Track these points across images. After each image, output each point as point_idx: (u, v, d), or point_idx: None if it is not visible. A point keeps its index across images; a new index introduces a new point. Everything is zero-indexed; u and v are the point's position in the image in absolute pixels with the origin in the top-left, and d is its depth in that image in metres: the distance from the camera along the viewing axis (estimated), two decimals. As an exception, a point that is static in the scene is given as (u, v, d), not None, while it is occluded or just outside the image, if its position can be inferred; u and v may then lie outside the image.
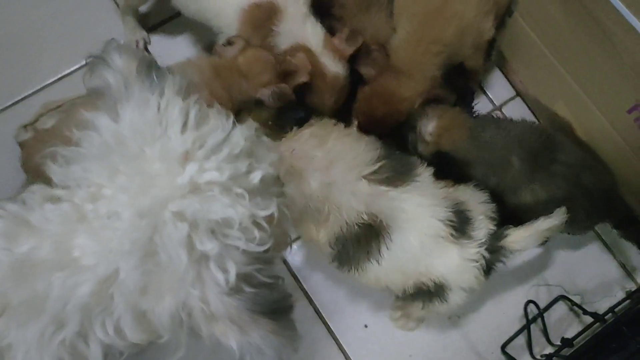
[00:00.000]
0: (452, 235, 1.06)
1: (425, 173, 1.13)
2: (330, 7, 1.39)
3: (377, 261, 1.08)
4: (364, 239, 1.07)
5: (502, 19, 1.41)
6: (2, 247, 0.65)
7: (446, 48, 1.27)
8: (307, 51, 1.27)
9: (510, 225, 1.09)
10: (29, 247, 0.64)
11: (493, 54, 1.53)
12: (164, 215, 0.63)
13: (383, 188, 1.07)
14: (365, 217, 1.06)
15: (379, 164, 1.08)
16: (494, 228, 1.09)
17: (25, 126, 1.37)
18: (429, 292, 1.10)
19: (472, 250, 1.06)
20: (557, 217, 1.06)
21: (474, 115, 1.26)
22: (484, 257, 1.06)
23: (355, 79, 1.35)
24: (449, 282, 1.08)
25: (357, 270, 1.11)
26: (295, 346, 0.70)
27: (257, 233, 0.67)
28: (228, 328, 0.66)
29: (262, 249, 0.68)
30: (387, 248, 1.07)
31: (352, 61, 1.33)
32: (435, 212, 1.07)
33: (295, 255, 1.42)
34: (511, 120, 1.30)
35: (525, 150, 1.20)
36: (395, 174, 1.09)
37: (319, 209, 1.08)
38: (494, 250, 1.07)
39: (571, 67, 1.31)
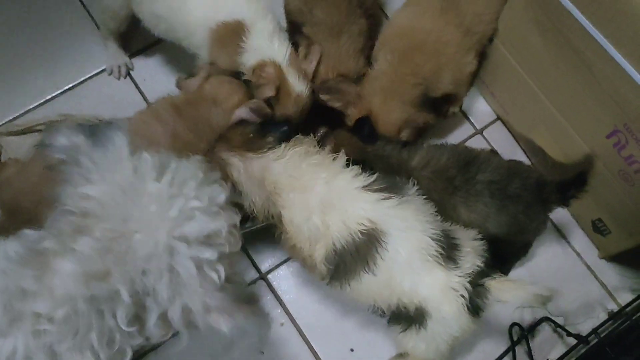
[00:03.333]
0: (440, 255, 1.07)
1: (413, 190, 1.14)
2: (302, 26, 1.41)
3: (373, 272, 1.08)
4: (363, 248, 1.08)
5: (484, 49, 1.46)
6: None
7: (424, 82, 1.33)
8: (275, 67, 1.30)
9: (500, 273, 1.10)
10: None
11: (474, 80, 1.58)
12: (172, 241, 0.83)
13: (382, 195, 1.09)
14: (367, 223, 1.07)
15: (374, 177, 1.12)
16: (482, 265, 1.09)
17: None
18: (408, 317, 1.10)
19: (456, 279, 1.07)
20: (547, 290, 1.05)
21: (374, 141, 1.32)
22: (467, 290, 1.06)
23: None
24: (429, 308, 1.08)
25: (350, 283, 1.11)
26: (269, 325, 0.98)
27: (232, 239, 0.90)
28: (220, 316, 0.86)
29: (236, 249, 0.91)
30: (382, 258, 1.07)
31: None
32: (426, 228, 1.09)
33: (280, 279, 1.42)
34: (435, 146, 1.33)
35: (434, 172, 1.24)
36: (388, 185, 1.12)
37: (317, 224, 1.09)
38: (476, 286, 1.07)
39: (551, 94, 1.34)
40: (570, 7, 1.12)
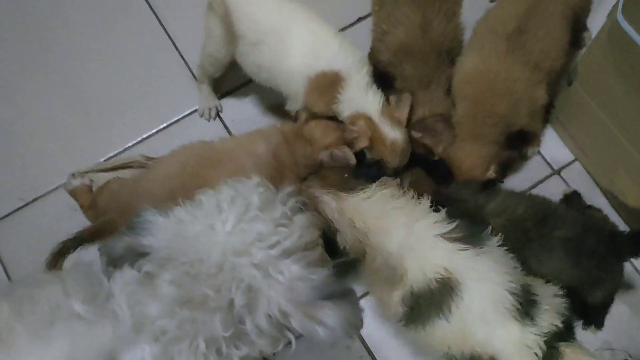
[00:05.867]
0: (516, 309, 1.08)
1: (494, 240, 1.16)
2: (393, 80, 1.48)
3: (447, 319, 1.10)
4: (438, 295, 1.10)
5: (557, 84, 1.50)
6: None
7: (502, 119, 1.38)
8: (367, 119, 1.37)
9: (580, 342, 1.10)
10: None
11: (550, 117, 1.60)
12: (228, 255, 0.90)
13: (459, 245, 1.12)
14: (443, 272, 1.09)
15: (454, 223, 1.14)
16: (560, 326, 1.09)
17: (73, 174, 1.51)
18: None
19: (531, 337, 1.07)
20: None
21: (449, 183, 1.39)
22: (540, 349, 1.06)
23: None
24: None
25: (425, 328, 1.13)
26: (359, 319, 0.91)
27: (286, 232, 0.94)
28: (300, 317, 0.88)
29: (297, 242, 0.94)
30: (457, 307, 1.09)
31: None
32: (503, 280, 1.10)
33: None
34: (513, 193, 1.35)
35: (509, 221, 1.25)
36: (468, 234, 1.14)
37: (395, 266, 1.13)
38: (551, 347, 1.07)
39: (633, 137, 1.33)
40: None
